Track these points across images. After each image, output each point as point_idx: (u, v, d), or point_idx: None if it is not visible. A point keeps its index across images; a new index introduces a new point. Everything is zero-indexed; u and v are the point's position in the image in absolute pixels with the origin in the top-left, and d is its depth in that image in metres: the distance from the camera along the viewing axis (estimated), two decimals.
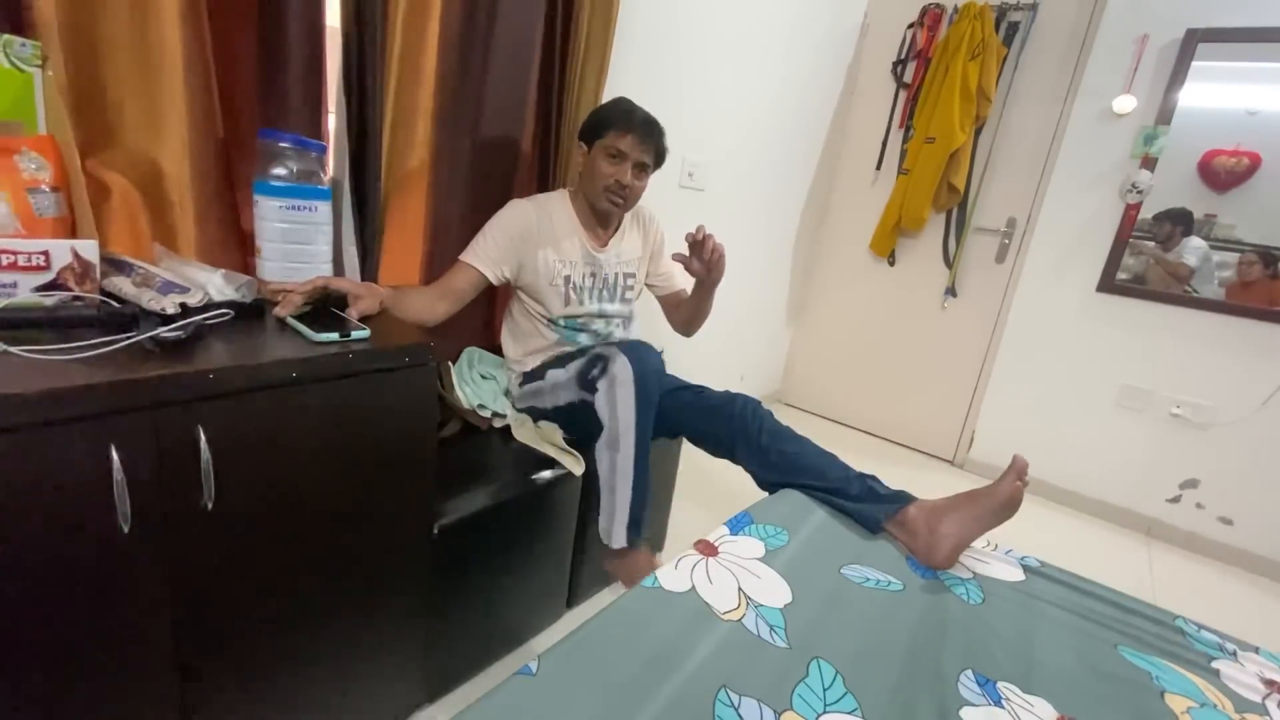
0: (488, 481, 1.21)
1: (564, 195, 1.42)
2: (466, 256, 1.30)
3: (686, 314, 1.58)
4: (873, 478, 1.22)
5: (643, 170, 1.36)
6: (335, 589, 0.94)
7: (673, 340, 2.01)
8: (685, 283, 1.55)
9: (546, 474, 1.31)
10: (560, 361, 1.37)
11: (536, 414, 1.42)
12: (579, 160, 1.40)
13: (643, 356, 1.24)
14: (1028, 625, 0.97)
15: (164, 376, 0.68)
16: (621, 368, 1.21)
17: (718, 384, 2.77)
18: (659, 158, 1.39)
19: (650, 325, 1.76)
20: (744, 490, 1.49)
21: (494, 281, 1.33)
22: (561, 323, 1.43)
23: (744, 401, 1.34)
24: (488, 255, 1.31)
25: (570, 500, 1.39)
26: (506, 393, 1.47)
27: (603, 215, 1.42)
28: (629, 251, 1.50)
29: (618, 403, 1.21)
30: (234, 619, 0.82)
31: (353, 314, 0.98)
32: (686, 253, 1.33)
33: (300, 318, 0.91)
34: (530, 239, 1.34)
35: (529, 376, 1.43)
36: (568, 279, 1.39)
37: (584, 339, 1.47)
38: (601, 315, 1.47)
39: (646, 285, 1.61)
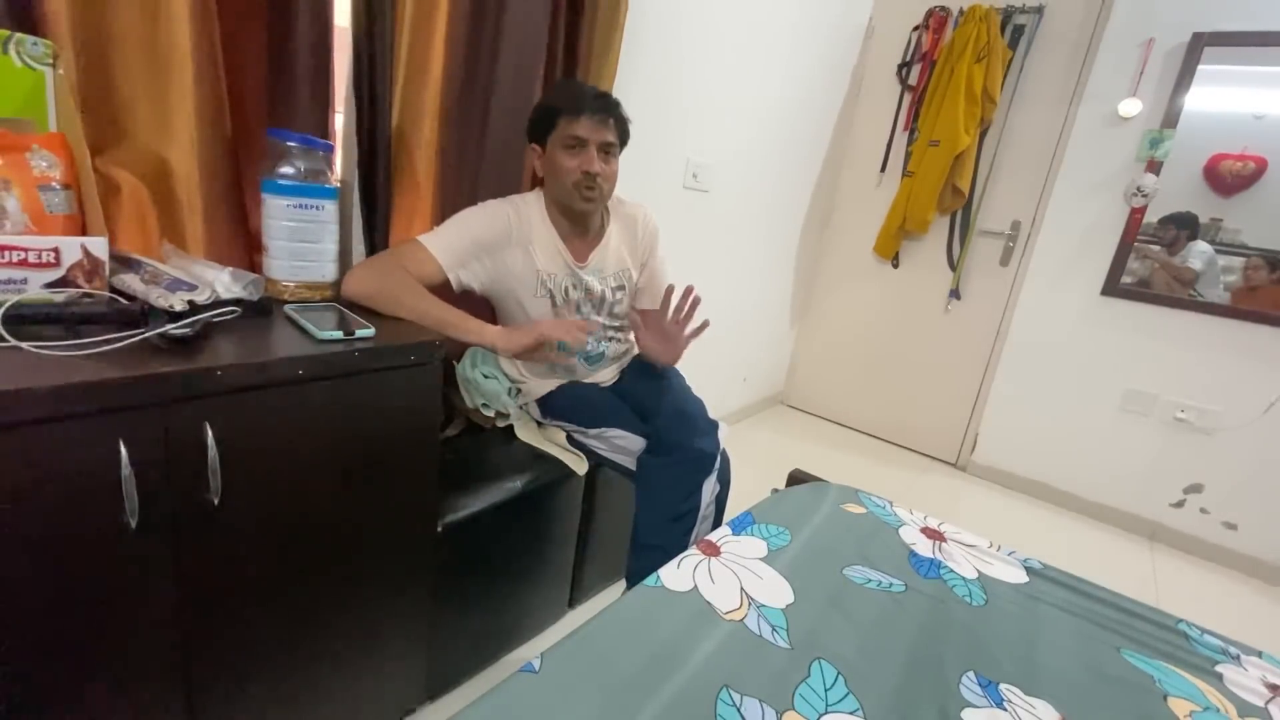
0: (491, 480, 1.22)
1: (539, 199, 1.29)
2: (437, 252, 1.14)
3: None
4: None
5: (609, 151, 1.23)
6: (339, 586, 0.95)
7: None
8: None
9: (549, 473, 1.31)
10: (620, 420, 1.32)
11: (581, 447, 1.37)
12: (536, 164, 1.27)
13: (725, 469, 1.29)
14: (1030, 627, 0.97)
15: (172, 373, 0.68)
16: (709, 489, 1.24)
17: (720, 385, 2.78)
18: (623, 133, 1.25)
19: None
20: (743, 492, 1.49)
21: (455, 289, 1.19)
22: (554, 340, 1.33)
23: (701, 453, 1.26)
24: (458, 258, 1.17)
25: (573, 500, 1.39)
26: (509, 392, 1.48)
27: (580, 218, 1.28)
28: (614, 263, 1.37)
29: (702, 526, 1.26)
30: (239, 614, 0.83)
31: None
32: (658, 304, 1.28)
33: (305, 315, 0.92)
34: (508, 247, 1.23)
35: (550, 404, 1.40)
36: (550, 293, 1.29)
37: (576, 364, 1.40)
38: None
39: None
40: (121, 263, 0.87)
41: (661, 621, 0.83)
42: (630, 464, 1.31)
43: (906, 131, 2.77)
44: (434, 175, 1.31)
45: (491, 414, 1.38)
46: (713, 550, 1.01)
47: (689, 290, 1.27)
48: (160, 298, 0.79)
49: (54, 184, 0.78)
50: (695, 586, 0.91)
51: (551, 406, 1.40)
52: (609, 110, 1.21)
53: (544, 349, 1.17)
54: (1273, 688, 0.91)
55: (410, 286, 1.09)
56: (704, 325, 1.31)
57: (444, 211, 1.33)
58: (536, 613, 1.42)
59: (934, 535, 1.20)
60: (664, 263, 1.48)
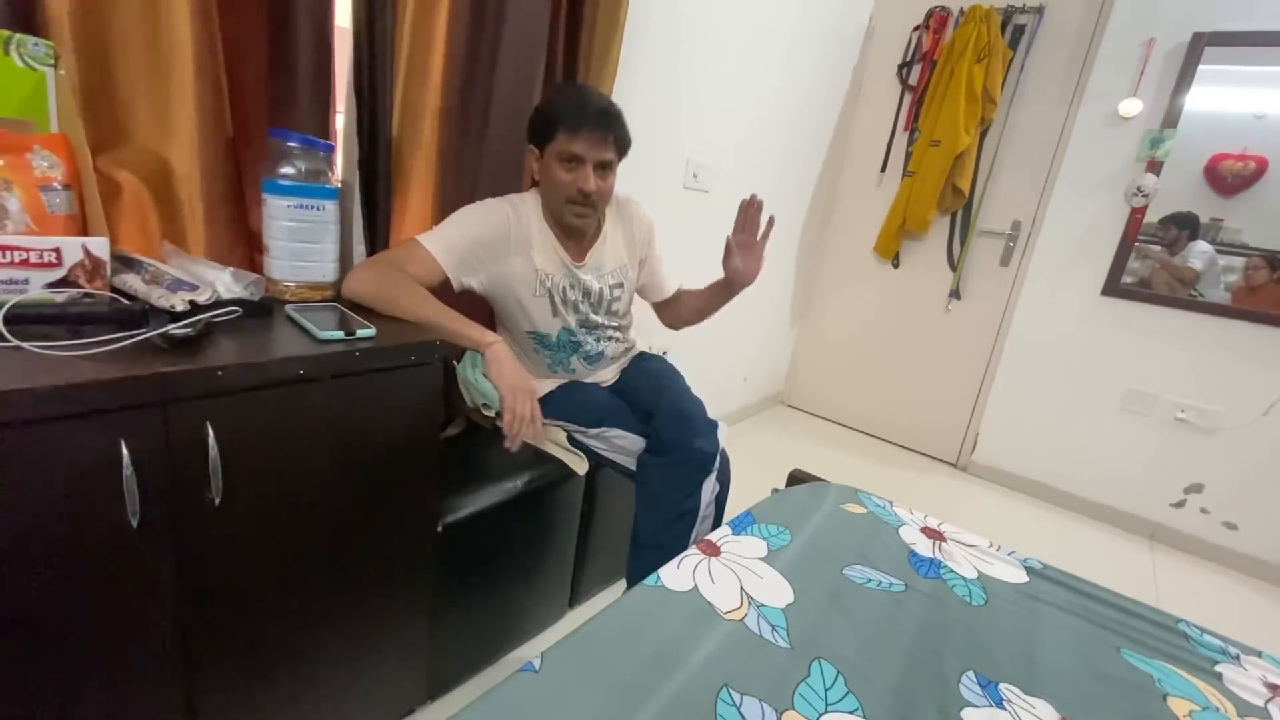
0: (491, 480, 1.22)
1: (536, 200, 1.28)
2: (437, 253, 1.14)
3: (689, 313, 1.50)
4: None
5: (606, 169, 1.21)
6: (340, 585, 0.95)
7: (675, 342, 2.03)
8: (676, 286, 1.52)
9: (549, 473, 1.31)
10: (620, 419, 1.33)
11: (579, 446, 1.37)
12: (534, 166, 1.25)
13: (725, 469, 1.30)
14: (1030, 627, 0.97)
15: (173, 373, 0.69)
16: (709, 489, 1.25)
17: (719, 385, 2.77)
18: (622, 148, 1.24)
19: (648, 322, 1.75)
20: (743, 492, 1.49)
21: (455, 288, 1.20)
22: (554, 339, 1.35)
23: (703, 451, 1.25)
24: (457, 258, 1.17)
25: (573, 500, 1.39)
26: None
27: (571, 226, 1.28)
28: (611, 260, 1.37)
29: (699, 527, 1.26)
30: (239, 614, 0.83)
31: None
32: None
33: (306, 315, 0.92)
34: (507, 248, 1.22)
35: (550, 404, 1.38)
36: (549, 291, 1.29)
37: (575, 363, 1.40)
38: (590, 326, 1.38)
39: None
40: (123, 263, 0.87)
41: (661, 621, 0.83)
42: (630, 464, 1.31)
43: (907, 131, 2.77)
44: (434, 175, 1.31)
45: (491, 414, 1.38)
46: (713, 550, 1.02)
47: (752, 199, 1.28)
48: (161, 298, 0.79)
49: (55, 184, 0.78)
50: (695, 586, 0.91)
51: (551, 406, 1.40)
52: (609, 127, 1.18)
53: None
54: (1272, 687, 0.91)
55: (410, 288, 1.10)
56: (771, 222, 1.32)
57: (444, 212, 1.33)
58: (536, 613, 1.42)
59: (934, 535, 1.20)
60: (661, 259, 1.49)
